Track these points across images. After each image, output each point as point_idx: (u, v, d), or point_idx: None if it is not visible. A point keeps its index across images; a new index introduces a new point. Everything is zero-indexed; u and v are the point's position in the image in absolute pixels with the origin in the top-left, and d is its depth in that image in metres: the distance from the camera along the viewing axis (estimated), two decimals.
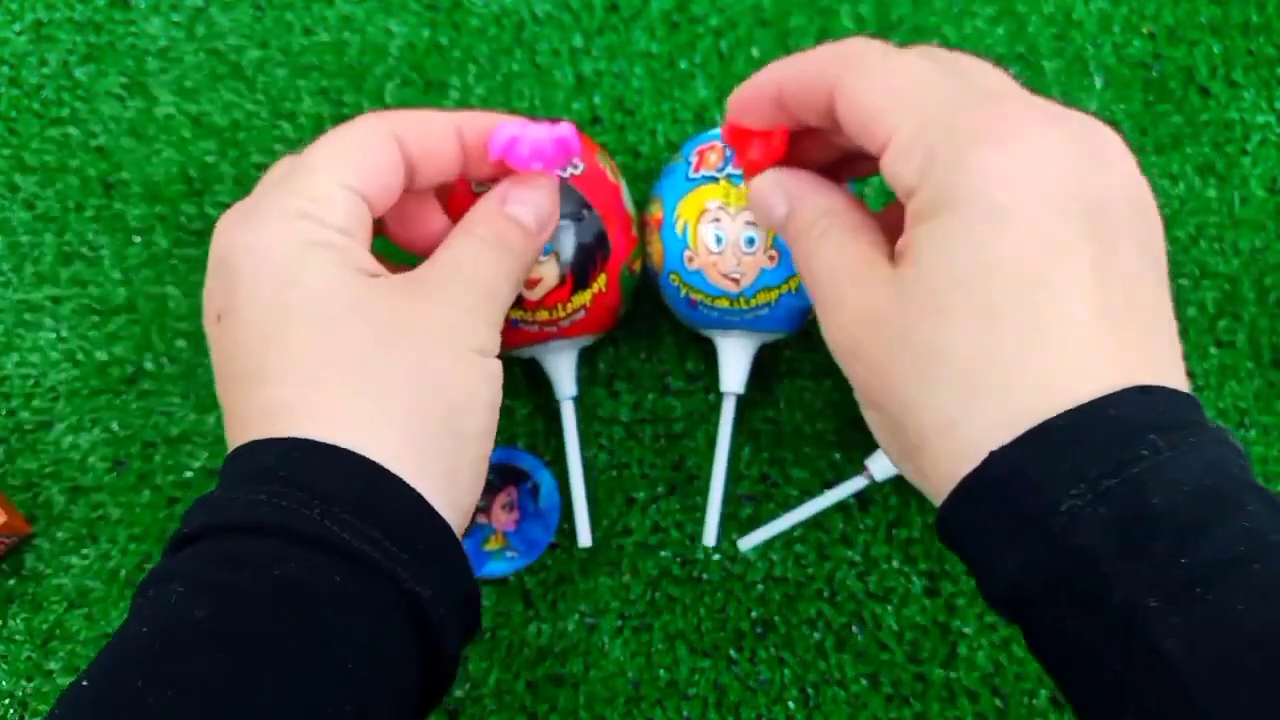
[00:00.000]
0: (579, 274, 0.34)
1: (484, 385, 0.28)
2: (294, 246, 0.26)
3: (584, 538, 0.37)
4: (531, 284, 0.33)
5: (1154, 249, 0.23)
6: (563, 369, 0.37)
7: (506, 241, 0.30)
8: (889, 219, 0.27)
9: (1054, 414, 0.20)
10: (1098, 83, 0.43)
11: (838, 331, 0.25)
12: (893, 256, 0.24)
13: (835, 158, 0.30)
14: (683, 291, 0.35)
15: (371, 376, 0.25)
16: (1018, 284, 0.21)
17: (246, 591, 0.22)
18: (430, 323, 0.27)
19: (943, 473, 0.22)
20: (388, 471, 0.24)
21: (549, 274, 0.33)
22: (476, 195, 0.33)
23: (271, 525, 0.23)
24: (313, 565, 0.23)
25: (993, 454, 0.21)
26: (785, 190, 0.28)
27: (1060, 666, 0.22)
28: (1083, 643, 0.20)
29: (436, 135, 0.29)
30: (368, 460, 0.24)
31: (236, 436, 0.26)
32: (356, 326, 0.26)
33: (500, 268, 0.29)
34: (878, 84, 0.24)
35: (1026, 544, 0.21)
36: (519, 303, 0.34)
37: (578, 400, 0.39)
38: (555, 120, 0.30)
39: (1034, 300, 0.21)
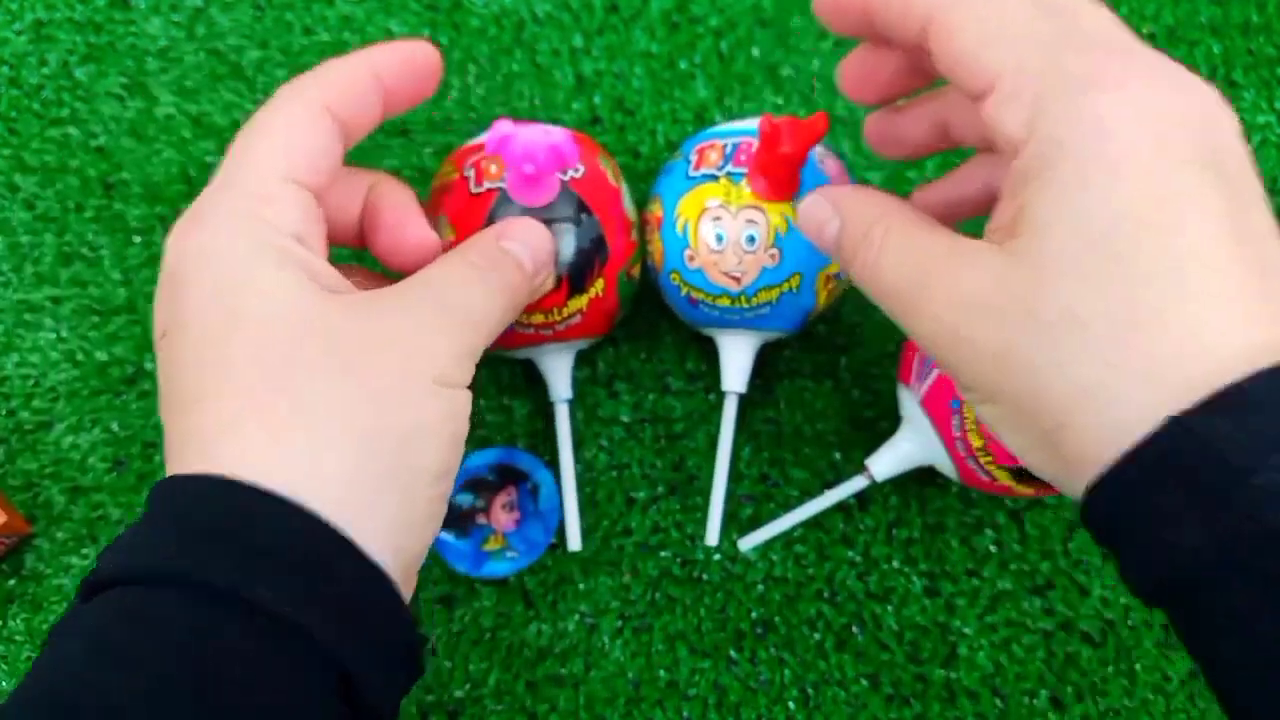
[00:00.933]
0: (576, 278, 0.34)
1: (443, 420, 0.25)
2: (244, 250, 0.24)
3: (574, 542, 0.37)
4: None
5: (1269, 209, 0.21)
6: (558, 372, 0.37)
7: (500, 272, 0.28)
8: (949, 196, 0.28)
9: (1229, 376, 0.18)
10: None
11: (931, 323, 0.23)
12: (984, 234, 0.23)
13: (906, 83, 0.29)
14: (683, 290, 0.35)
15: (317, 401, 0.23)
16: (1153, 235, 0.19)
17: (146, 658, 0.20)
18: (387, 344, 0.24)
19: (1093, 452, 0.20)
20: (319, 519, 0.22)
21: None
22: (474, 197, 0.33)
23: (183, 578, 0.21)
24: (223, 626, 0.21)
25: (1173, 421, 0.19)
26: (832, 203, 0.27)
27: (1232, 659, 0.19)
28: (1270, 637, 0.18)
29: (362, 93, 0.28)
30: (297, 505, 0.22)
31: (171, 465, 0.24)
32: (307, 343, 0.24)
33: (489, 298, 0.27)
34: (978, 19, 0.22)
35: (1211, 519, 0.18)
36: None
37: (575, 402, 0.39)
38: (555, 124, 0.31)
39: (1173, 251, 0.19)
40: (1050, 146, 0.21)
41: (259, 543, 0.22)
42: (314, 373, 0.23)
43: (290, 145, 0.26)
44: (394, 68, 0.28)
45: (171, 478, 0.23)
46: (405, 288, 0.26)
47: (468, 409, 0.26)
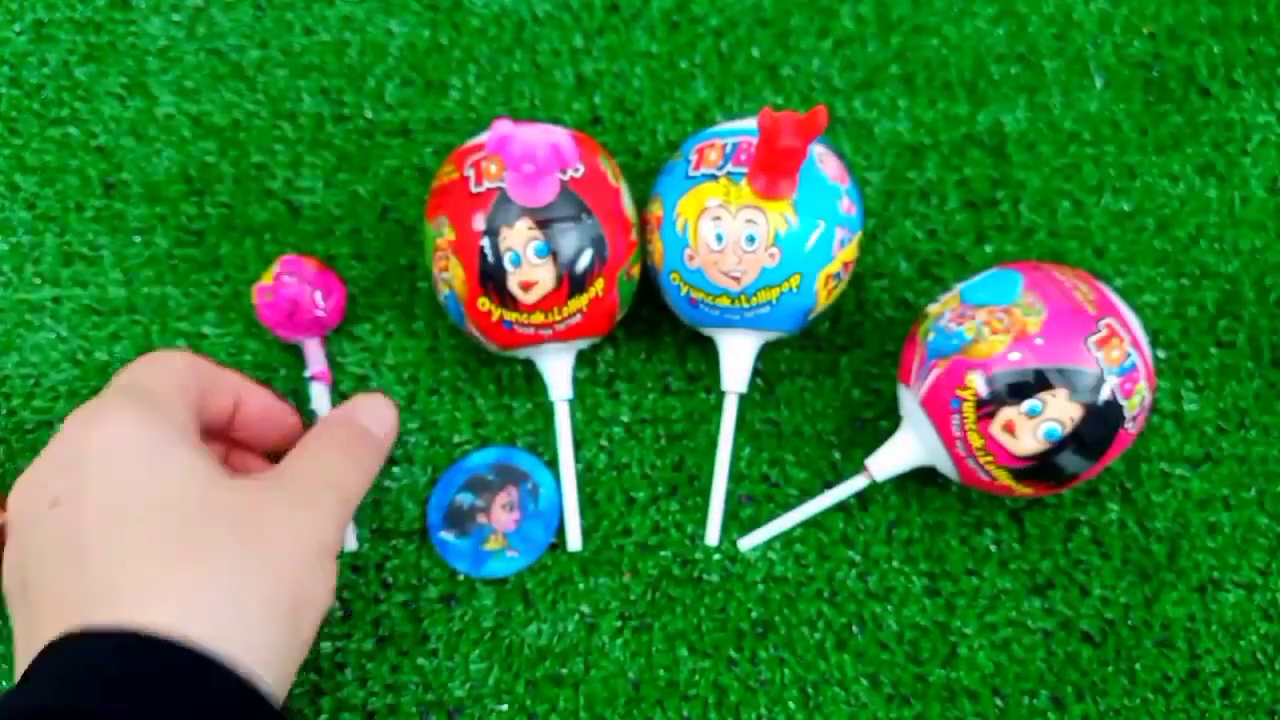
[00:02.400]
0: (576, 277, 0.34)
1: (327, 583, 0.29)
2: (151, 439, 0.28)
3: (574, 542, 0.37)
4: (528, 286, 0.33)
5: None
6: (558, 371, 0.37)
7: (364, 446, 0.33)
8: None
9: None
10: (1098, 83, 0.43)
11: None
12: None
13: None
14: (683, 290, 0.35)
15: (222, 569, 0.26)
16: None
17: None
18: (279, 522, 0.28)
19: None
20: (215, 662, 0.25)
21: (546, 277, 0.33)
22: (474, 197, 0.33)
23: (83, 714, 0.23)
24: None
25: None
26: None
27: None
28: None
29: (220, 392, 0.33)
30: (196, 651, 0.24)
31: (66, 618, 0.25)
32: (212, 520, 0.27)
33: (358, 472, 0.32)
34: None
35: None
36: (514, 305, 0.34)
37: (575, 402, 0.39)
38: (555, 124, 0.31)
39: None
40: None
41: (158, 685, 0.24)
42: (220, 544, 0.27)
43: (173, 370, 0.31)
44: (258, 407, 0.35)
45: (75, 634, 0.24)
46: (288, 471, 0.31)
47: (336, 576, 0.30)
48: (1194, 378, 0.40)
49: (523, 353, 0.36)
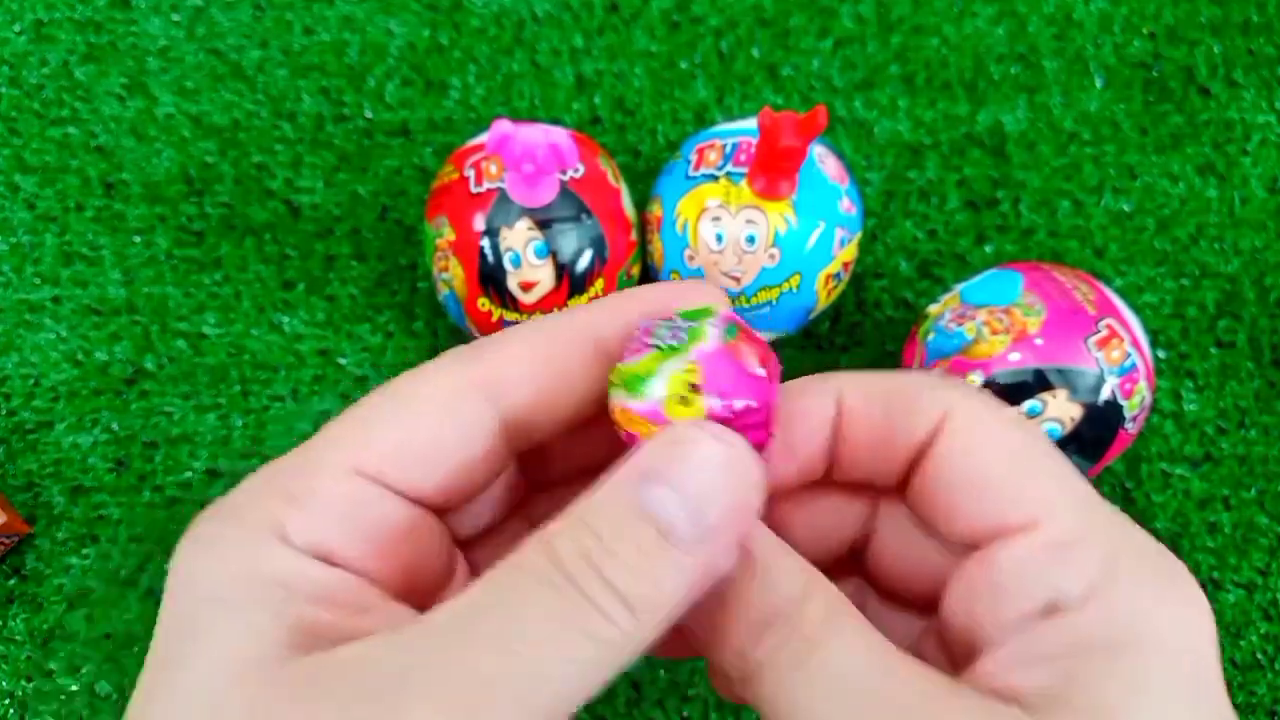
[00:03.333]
0: (576, 278, 0.34)
1: None
2: (223, 580, 0.17)
3: None
4: (528, 287, 0.33)
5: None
6: None
7: (590, 619, 0.15)
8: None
9: None
10: (1098, 83, 0.43)
11: None
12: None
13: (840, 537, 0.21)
14: None
15: None
16: None
17: None
18: None
19: None
20: None
21: (545, 277, 0.33)
22: (474, 197, 0.33)
23: None
24: None
25: None
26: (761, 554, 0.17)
27: None
28: None
29: (558, 372, 0.18)
30: None
31: None
32: None
33: (585, 661, 0.16)
34: (1002, 443, 0.18)
35: None
36: (514, 306, 0.34)
37: None
38: (555, 124, 0.31)
39: None
40: (1123, 630, 0.16)
41: None
42: None
43: (390, 424, 0.18)
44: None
45: None
46: (413, 649, 0.15)
47: None
48: (1194, 378, 0.40)
49: None
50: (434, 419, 0.18)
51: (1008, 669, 0.16)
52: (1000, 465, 0.17)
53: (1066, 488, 0.18)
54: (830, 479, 0.20)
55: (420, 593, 0.19)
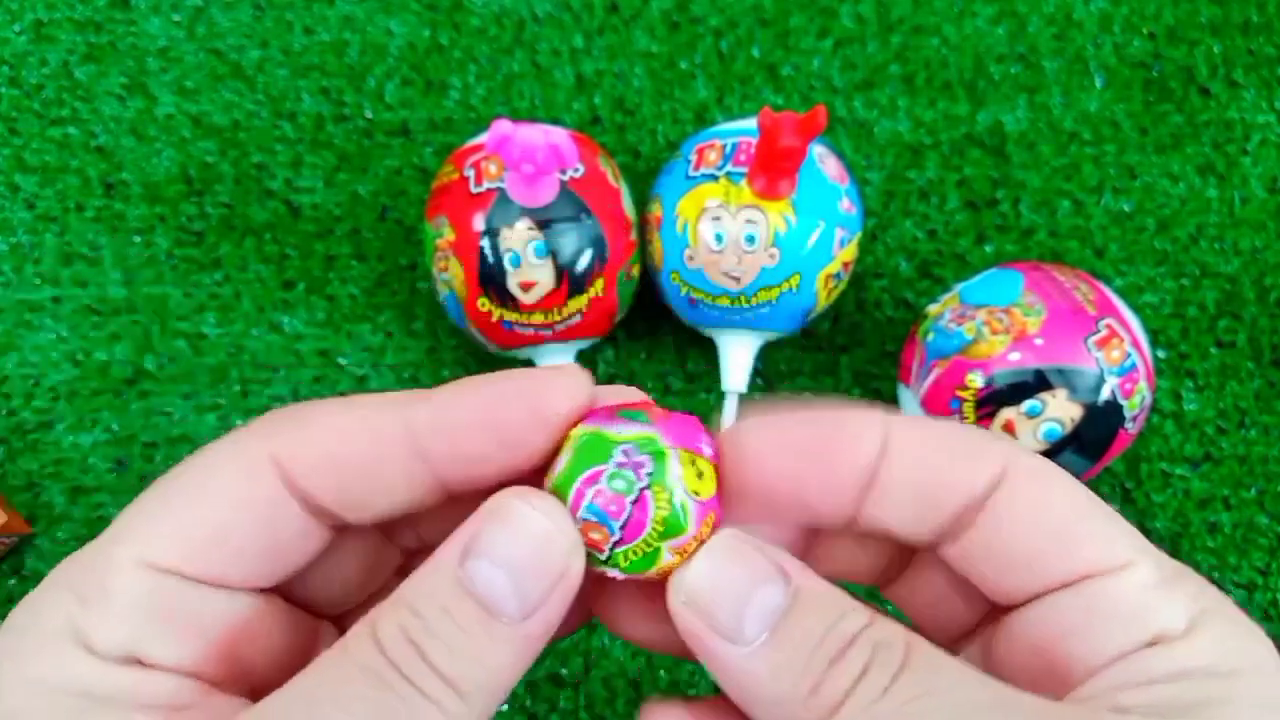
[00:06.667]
0: (576, 278, 0.34)
1: None
2: (10, 706, 0.15)
3: None
4: (528, 287, 0.33)
5: None
6: None
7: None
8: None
9: None
10: (1098, 83, 0.43)
11: None
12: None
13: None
14: (683, 290, 0.35)
15: None
16: None
17: None
18: None
19: None
20: None
21: (545, 277, 0.33)
22: (474, 197, 0.33)
23: None
24: None
25: None
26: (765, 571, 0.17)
27: None
28: None
29: (363, 455, 0.17)
30: None
31: None
32: None
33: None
34: (1069, 494, 0.18)
35: None
36: (514, 306, 0.34)
37: None
38: (555, 124, 0.30)
39: None
40: (1227, 658, 0.17)
41: None
42: None
43: (178, 514, 0.17)
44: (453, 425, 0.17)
45: None
46: None
47: None
48: (1194, 378, 0.40)
49: (523, 353, 0.36)
50: (223, 504, 0.17)
51: (1112, 693, 0.17)
52: (1078, 512, 0.18)
53: (1133, 531, 0.18)
54: (844, 529, 0.18)
55: (262, 677, 0.18)
